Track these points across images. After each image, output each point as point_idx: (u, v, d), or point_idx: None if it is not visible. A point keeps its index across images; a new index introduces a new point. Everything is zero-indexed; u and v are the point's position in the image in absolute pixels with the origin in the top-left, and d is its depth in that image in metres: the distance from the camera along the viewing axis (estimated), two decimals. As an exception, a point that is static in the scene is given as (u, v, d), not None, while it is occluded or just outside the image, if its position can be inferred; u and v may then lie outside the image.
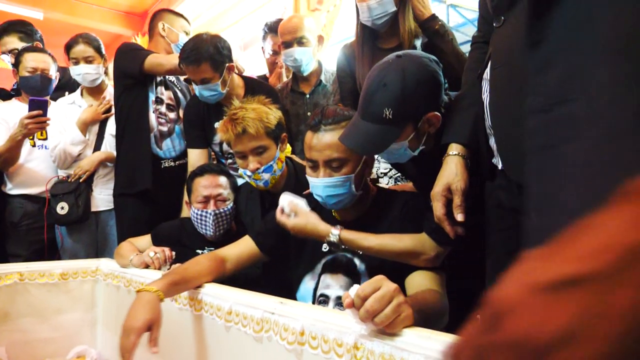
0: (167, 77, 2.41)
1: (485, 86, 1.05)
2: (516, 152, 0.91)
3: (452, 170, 1.08)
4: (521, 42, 0.92)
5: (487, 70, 1.04)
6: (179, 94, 2.44)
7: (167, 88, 2.40)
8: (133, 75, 2.26)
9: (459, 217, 1.05)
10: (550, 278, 0.22)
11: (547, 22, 0.59)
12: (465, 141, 1.11)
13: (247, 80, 2.18)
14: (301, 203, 1.36)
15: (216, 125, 2.03)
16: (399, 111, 1.13)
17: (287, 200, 1.36)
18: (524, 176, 0.89)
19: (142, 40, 6.02)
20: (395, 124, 1.14)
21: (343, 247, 1.27)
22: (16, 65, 2.43)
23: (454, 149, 1.11)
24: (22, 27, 2.69)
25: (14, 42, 2.63)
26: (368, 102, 1.17)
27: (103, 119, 2.47)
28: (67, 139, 2.36)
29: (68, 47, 2.42)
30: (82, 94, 2.52)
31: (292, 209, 1.33)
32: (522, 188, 0.94)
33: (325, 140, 1.29)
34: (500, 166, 1.03)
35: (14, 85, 2.71)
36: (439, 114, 1.19)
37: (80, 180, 2.34)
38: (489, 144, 1.07)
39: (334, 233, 1.25)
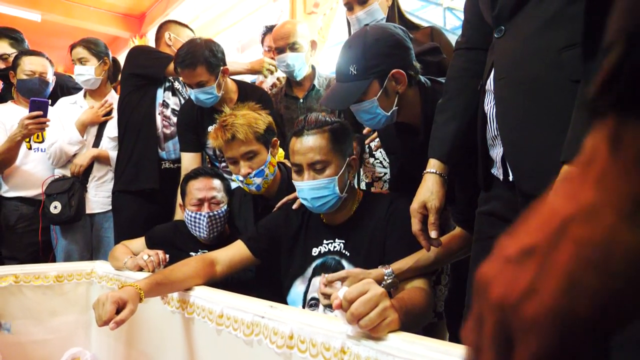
0: (174, 84, 2.46)
1: (489, 97, 1.05)
2: (529, 163, 0.93)
3: (428, 189, 1.13)
4: (526, 53, 0.93)
5: (489, 81, 1.04)
6: (183, 102, 2.47)
7: (174, 94, 2.45)
8: (152, 76, 2.33)
9: (433, 234, 1.11)
10: (513, 252, 0.30)
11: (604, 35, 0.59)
12: (443, 158, 1.15)
13: (240, 85, 2.21)
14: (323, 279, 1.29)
15: (209, 129, 2.05)
16: (362, 66, 1.25)
17: (319, 286, 1.24)
18: (538, 187, 0.90)
19: (139, 43, 6.04)
20: (360, 79, 1.26)
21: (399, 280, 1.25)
22: (13, 68, 2.45)
23: (432, 166, 1.16)
24: (12, 34, 2.71)
25: (4, 47, 2.65)
26: (338, 66, 1.32)
27: (102, 122, 2.49)
28: (65, 138, 2.39)
29: (71, 50, 2.50)
30: (85, 96, 2.56)
31: (328, 279, 1.23)
32: (529, 198, 0.96)
33: (308, 143, 1.34)
34: (502, 177, 1.04)
35: None
36: (402, 72, 1.27)
37: (74, 174, 2.37)
38: (488, 154, 1.08)
39: (388, 273, 1.24)
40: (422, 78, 1.38)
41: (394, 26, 1.34)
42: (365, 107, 1.28)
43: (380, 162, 1.89)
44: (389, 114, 1.30)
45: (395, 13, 1.79)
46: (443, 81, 1.30)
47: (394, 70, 1.27)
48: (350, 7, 1.84)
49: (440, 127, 1.17)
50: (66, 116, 2.47)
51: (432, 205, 1.11)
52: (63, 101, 2.57)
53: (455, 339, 1.44)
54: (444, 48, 1.64)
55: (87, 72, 2.44)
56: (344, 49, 1.32)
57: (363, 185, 1.90)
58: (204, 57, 1.94)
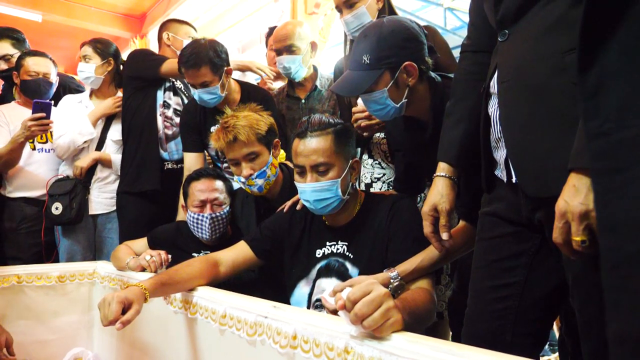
0: (176, 84, 2.47)
1: (493, 100, 1.06)
2: (533, 165, 0.94)
3: (438, 191, 1.16)
4: (529, 56, 0.94)
5: (493, 84, 1.05)
6: (186, 101, 2.47)
7: (175, 94, 2.46)
8: (148, 78, 2.35)
9: (444, 235, 1.15)
10: None
11: (599, 48, 0.60)
12: (452, 161, 1.17)
13: (243, 85, 2.21)
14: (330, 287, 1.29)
15: (212, 129, 2.05)
16: (375, 56, 1.27)
17: (324, 293, 1.25)
18: (542, 190, 0.91)
19: (140, 43, 6.04)
20: (372, 68, 1.27)
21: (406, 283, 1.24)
22: (17, 69, 2.45)
23: (442, 169, 1.18)
24: (14, 34, 2.71)
25: (6, 47, 2.65)
26: (352, 54, 1.33)
27: (105, 125, 2.49)
28: (76, 129, 2.39)
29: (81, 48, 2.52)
30: (90, 96, 2.57)
31: (335, 290, 1.21)
32: (533, 200, 0.96)
33: (311, 145, 1.34)
34: (506, 179, 1.05)
35: None
36: (414, 65, 1.29)
37: (77, 176, 2.37)
38: (492, 156, 1.10)
39: (393, 276, 1.24)
40: (433, 74, 1.39)
41: (410, 20, 1.35)
42: (375, 97, 1.30)
43: (379, 163, 1.90)
44: (398, 105, 1.32)
45: (387, 14, 1.79)
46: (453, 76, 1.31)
47: (406, 63, 1.28)
48: (340, 11, 1.86)
49: (449, 130, 1.19)
50: (71, 114, 2.46)
51: (442, 207, 1.14)
52: (68, 98, 2.56)
53: (458, 338, 1.45)
54: (438, 47, 1.65)
55: (87, 70, 2.45)
56: (359, 38, 1.33)
57: (362, 186, 1.91)
58: (208, 57, 1.95)
